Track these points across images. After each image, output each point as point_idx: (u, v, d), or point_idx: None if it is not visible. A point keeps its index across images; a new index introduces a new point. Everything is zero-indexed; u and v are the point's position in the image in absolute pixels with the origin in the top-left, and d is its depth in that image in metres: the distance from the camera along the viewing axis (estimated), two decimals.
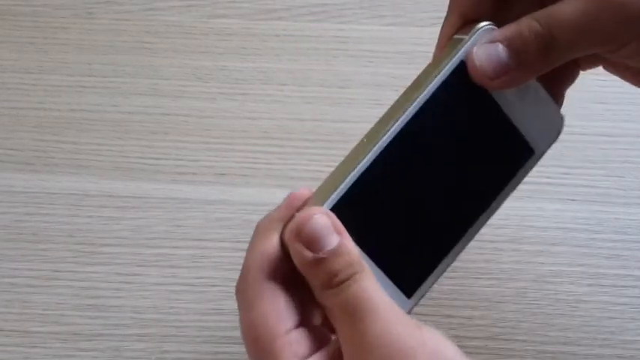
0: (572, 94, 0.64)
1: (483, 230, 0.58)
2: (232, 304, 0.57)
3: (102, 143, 0.62)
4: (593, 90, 0.63)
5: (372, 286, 0.34)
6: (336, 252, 0.34)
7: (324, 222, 0.34)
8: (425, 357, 0.33)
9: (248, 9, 0.67)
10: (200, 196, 0.60)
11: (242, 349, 0.56)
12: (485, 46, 0.37)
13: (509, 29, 0.37)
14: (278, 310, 0.35)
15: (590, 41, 0.35)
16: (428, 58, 0.65)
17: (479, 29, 0.37)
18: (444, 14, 0.67)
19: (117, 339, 0.55)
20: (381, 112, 0.64)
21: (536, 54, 0.36)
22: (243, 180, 0.60)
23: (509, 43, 0.36)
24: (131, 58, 0.65)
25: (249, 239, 0.59)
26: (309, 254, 0.34)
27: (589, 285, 0.57)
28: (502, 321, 0.56)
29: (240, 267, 0.58)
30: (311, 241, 0.34)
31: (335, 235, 0.34)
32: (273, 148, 0.62)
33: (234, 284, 0.58)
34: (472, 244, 0.57)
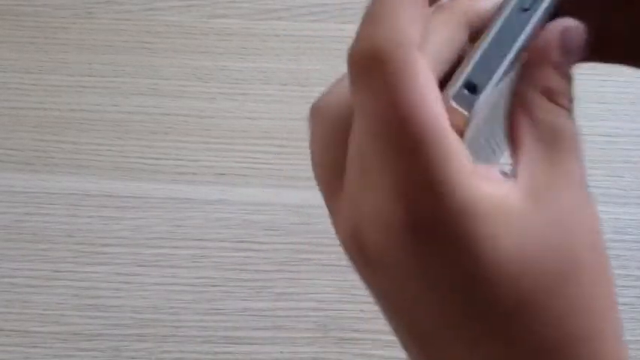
0: None
1: None
2: (232, 304, 0.57)
3: (102, 143, 0.62)
4: (593, 90, 0.63)
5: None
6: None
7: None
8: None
9: (248, 9, 0.67)
10: (200, 196, 0.60)
11: (242, 349, 0.56)
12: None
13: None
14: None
15: None
16: None
17: None
18: None
19: (117, 339, 0.55)
20: None
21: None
22: (243, 180, 0.60)
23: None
24: (131, 58, 0.65)
25: (249, 239, 0.60)
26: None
27: None
28: None
29: (240, 267, 0.58)
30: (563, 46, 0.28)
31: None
32: (273, 148, 0.62)
33: (235, 284, 0.58)
34: None
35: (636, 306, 0.56)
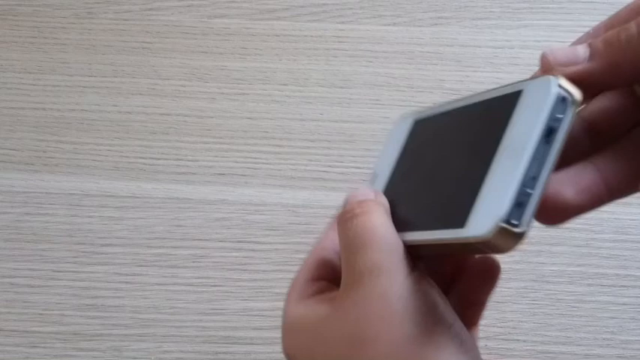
0: None
1: None
2: (232, 304, 0.57)
3: (102, 143, 0.62)
4: None
5: (378, 220, 0.35)
6: (354, 194, 0.37)
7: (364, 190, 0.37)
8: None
9: (248, 9, 0.67)
10: (200, 196, 0.60)
11: (242, 348, 0.56)
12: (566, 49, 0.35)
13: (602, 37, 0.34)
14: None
15: None
16: (427, 57, 0.66)
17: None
18: (444, 14, 0.68)
19: (117, 339, 0.55)
20: (380, 111, 0.64)
21: (603, 44, 0.33)
22: (243, 180, 0.60)
23: (597, 42, 0.34)
24: (131, 58, 0.65)
25: (249, 239, 0.60)
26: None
27: (589, 285, 0.57)
28: (502, 321, 0.56)
29: (240, 267, 0.58)
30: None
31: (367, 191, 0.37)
32: (273, 148, 0.62)
33: (235, 284, 0.58)
34: None
35: (636, 306, 0.56)
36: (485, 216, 0.32)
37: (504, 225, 0.31)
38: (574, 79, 0.33)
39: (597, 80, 0.33)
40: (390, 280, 0.33)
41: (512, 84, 0.35)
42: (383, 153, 0.41)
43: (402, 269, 0.34)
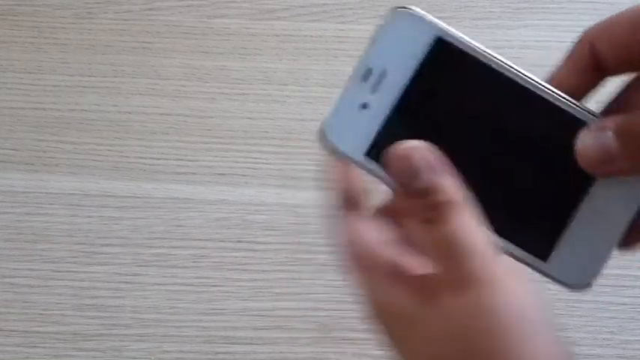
0: None
1: None
2: (232, 304, 0.57)
3: (102, 143, 0.62)
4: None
5: (471, 223, 0.34)
6: (436, 184, 0.34)
7: (426, 155, 0.34)
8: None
9: (248, 9, 0.67)
10: (200, 196, 0.60)
11: (242, 348, 0.56)
12: (593, 133, 0.36)
13: (622, 118, 0.36)
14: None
15: None
16: None
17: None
18: (444, 14, 0.67)
19: (117, 339, 0.55)
20: None
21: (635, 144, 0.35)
22: (243, 180, 0.61)
23: (619, 133, 0.35)
24: (131, 58, 0.65)
25: (249, 239, 0.60)
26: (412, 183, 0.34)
27: None
28: None
29: (240, 267, 0.58)
30: (413, 173, 0.34)
31: (436, 169, 0.34)
32: (273, 148, 0.62)
33: (235, 284, 0.58)
34: None
35: (636, 306, 0.56)
36: (574, 265, 0.36)
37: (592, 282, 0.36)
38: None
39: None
40: (513, 290, 0.34)
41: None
42: (379, 48, 0.38)
43: (515, 279, 0.34)
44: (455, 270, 0.33)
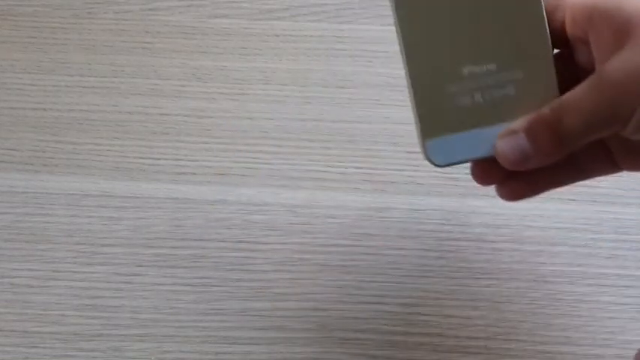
0: None
1: (484, 230, 0.58)
2: (232, 304, 0.57)
3: (102, 143, 0.62)
4: None
5: None
6: None
7: None
8: None
9: (248, 9, 0.67)
10: (200, 196, 0.60)
11: (242, 349, 0.56)
12: (507, 139, 0.41)
13: (528, 118, 0.41)
14: None
15: (596, 123, 0.39)
16: None
17: None
18: None
19: (117, 339, 0.55)
20: (380, 111, 0.64)
21: (549, 141, 0.40)
22: (243, 180, 0.60)
23: (527, 132, 0.41)
24: (131, 58, 0.65)
25: (249, 239, 0.60)
26: None
27: (589, 285, 0.57)
28: (502, 321, 0.56)
29: (240, 267, 0.58)
30: None
31: None
32: (273, 148, 0.62)
33: (235, 284, 0.58)
34: (472, 243, 0.57)
35: (636, 306, 0.56)
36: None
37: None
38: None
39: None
40: None
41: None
42: None
43: None
44: None
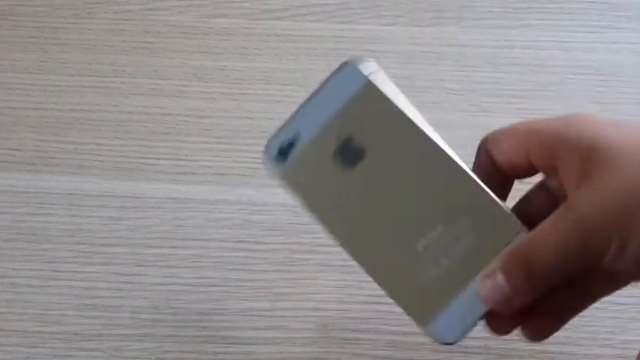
0: (571, 93, 0.64)
1: None
2: (232, 304, 0.57)
3: (102, 143, 0.62)
4: (592, 90, 0.63)
5: None
6: None
7: None
8: None
9: (248, 9, 0.67)
10: (200, 196, 0.60)
11: (242, 349, 0.56)
12: (485, 281, 0.39)
13: (503, 258, 0.39)
14: None
15: (567, 259, 0.37)
16: (427, 58, 0.65)
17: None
18: (444, 14, 0.67)
19: (117, 339, 0.55)
20: None
21: (523, 280, 0.38)
22: (243, 180, 0.61)
23: (503, 271, 0.39)
24: (131, 58, 0.65)
25: (249, 239, 0.60)
26: None
27: None
28: None
29: (240, 267, 0.58)
30: None
31: None
32: None
33: (235, 284, 0.58)
34: None
35: (636, 306, 0.56)
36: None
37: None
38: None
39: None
40: None
41: (504, 214, 0.40)
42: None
43: None
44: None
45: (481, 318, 0.41)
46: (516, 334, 0.43)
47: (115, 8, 0.67)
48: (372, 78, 0.40)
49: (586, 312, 0.56)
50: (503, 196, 0.42)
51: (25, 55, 0.66)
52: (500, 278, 0.38)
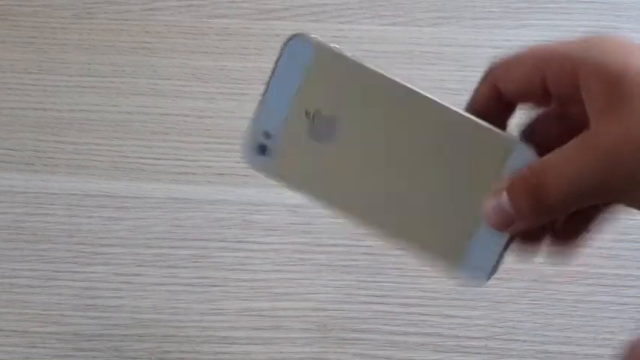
0: None
1: None
2: (232, 304, 0.57)
3: (102, 143, 0.62)
4: None
5: None
6: None
7: None
8: None
9: (248, 9, 0.67)
10: (200, 196, 0.60)
11: (242, 349, 0.56)
12: (493, 199, 0.37)
13: (510, 178, 0.37)
14: None
15: (582, 191, 0.34)
16: (427, 57, 0.66)
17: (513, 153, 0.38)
18: (444, 14, 0.67)
19: (117, 339, 0.55)
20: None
21: (528, 207, 0.35)
22: (243, 180, 0.60)
23: (508, 192, 0.36)
24: (131, 58, 0.65)
25: (249, 239, 0.60)
26: None
27: (589, 285, 0.57)
28: (502, 321, 0.56)
29: (240, 267, 0.58)
30: None
31: None
32: None
33: (235, 284, 0.58)
34: None
35: (636, 306, 0.56)
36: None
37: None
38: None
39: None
40: None
41: (494, 131, 0.38)
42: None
43: None
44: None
45: (508, 244, 0.38)
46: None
47: (115, 8, 0.67)
48: (319, 41, 0.39)
49: (586, 312, 0.56)
50: (502, 128, 0.40)
51: (25, 55, 0.66)
52: (505, 199, 0.36)
